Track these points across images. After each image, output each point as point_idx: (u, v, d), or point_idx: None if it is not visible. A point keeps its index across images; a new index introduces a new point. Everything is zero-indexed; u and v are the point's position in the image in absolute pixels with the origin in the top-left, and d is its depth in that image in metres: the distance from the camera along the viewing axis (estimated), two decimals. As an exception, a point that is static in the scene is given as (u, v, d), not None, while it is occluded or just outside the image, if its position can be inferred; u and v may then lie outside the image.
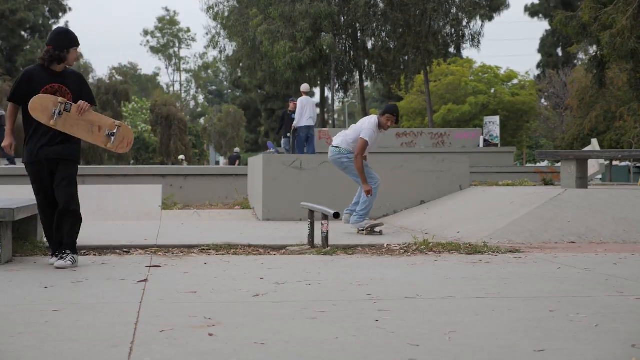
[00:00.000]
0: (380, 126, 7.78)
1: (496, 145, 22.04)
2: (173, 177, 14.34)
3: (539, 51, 54.67)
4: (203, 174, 14.70)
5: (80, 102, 5.41)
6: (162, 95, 53.06)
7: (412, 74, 32.31)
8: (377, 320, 3.36)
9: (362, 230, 7.72)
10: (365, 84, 38.90)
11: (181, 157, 36.45)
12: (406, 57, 31.01)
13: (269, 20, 28.96)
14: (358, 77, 33.00)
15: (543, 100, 44.30)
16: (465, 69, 42.28)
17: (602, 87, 23.07)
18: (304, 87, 16.62)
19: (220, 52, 35.12)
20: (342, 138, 7.86)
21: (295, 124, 16.14)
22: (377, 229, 7.72)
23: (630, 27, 18.21)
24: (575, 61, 43.06)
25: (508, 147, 22.34)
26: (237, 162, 32.02)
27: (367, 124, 7.76)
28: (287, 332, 3.11)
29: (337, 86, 32.52)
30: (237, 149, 37.33)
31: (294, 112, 16.58)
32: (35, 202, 6.05)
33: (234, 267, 5.25)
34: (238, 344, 2.90)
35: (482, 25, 30.92)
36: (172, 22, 77.82)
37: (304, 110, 15.81)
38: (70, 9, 59.72)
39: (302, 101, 16.16)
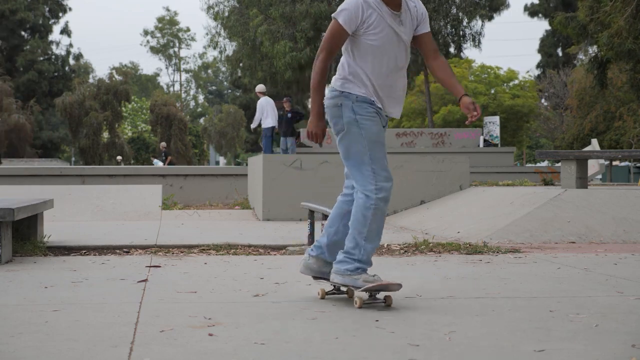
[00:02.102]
0: None
1: (496, 145, 22.05)
2: (173, 177, 14.35)
3: (539, 51, 54.68)
4: (203, 174, 14.70)
5: None
6: (162, 95, 53.06)
7: (412, 74, 32.31)
8: (377, 320, 3.36)
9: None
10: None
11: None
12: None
13: (269, 20, 28.97)
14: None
15: (543, 100, 44.33)
16: (464, 69, 42.31)
17: (603, 87, 23.09)
18: (260, 87, 16.61)
19: (221, 52, 35.13)
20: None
21: (254, 125, 16.19)
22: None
23: (628, 28, 18.21)
24: (575, 61, 43.08)
25: (508, 147, 22.35)
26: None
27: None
28: (287, 332, 3.11)
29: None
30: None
31: (289, 112, 16.54)
32: (34, 202, 6.06)
33: (234, 267, 5.25)
34: (238, 344, 2.90)
35: (482, 25, 30.95)
36: (172, 22, 77.83)
37: (265, 111, 15.84)
38: (70, 9, 59.65)
39: (261, 102, 16.20)
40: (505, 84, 43.54)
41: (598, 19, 19.31)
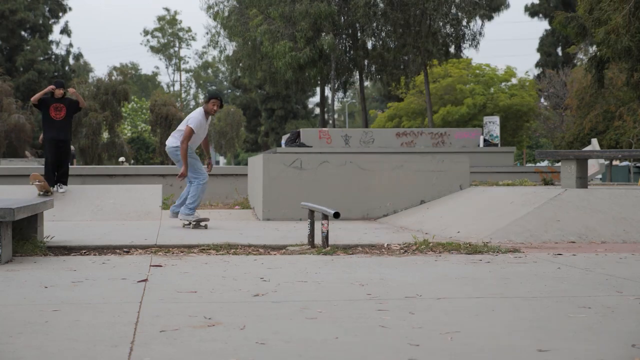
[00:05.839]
0: (207, 112, 8.44)
1: (496, 145, 22.04)
2: (173, 177, 14.33)
3: (538, 51, 54.67)
4: (203, 174, 14.66)
5: None
6: (162, 95, 53.01)
7: (412, 74, 32.31)
8: (377, 320, 3.36)
9: (189, 224, 8.24)
10: (365, 83, 38.91)
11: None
12: (406, 57, 31.02)
13: (269, 20, 28.97)
14: (358, 77, 33.01)
15: (543, 100, 44.30)
16: (461, 70, 42.25)
17: (601, 87, 23.05)
18: None
19: (221, 52, 35.14)
20: (174, 135, 8.47)
21: None
22: (202, 224, 8.20)
23: (626, 25, 18.19)
24: (575, 61, 43.07)
25: (508, 147, 22.32)
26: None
27: (194, 114, 8.39)
28: (287, 332, 3.11)
29: (336, 86, 32.53)
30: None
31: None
32: (34, 202, 6.07)
33: (234, 267, 5.26)
34: (238, 344, 2.90)
35: (482, 25, 30.95)
36: (172, 21, 77.78)
37: None
38: (70, 8, 59.55)
39: None
40: (503, 84, 43.48)
41: (596, 16, 19.29)
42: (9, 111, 43.46)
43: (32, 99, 10.16)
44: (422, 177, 10.22)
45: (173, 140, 8.45)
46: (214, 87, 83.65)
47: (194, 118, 8.33)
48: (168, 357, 2.70)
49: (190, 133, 8.24)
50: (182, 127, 8.40)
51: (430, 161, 10.37)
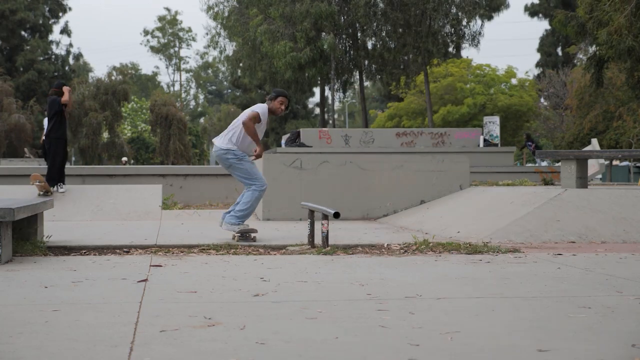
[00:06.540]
0: (272, 111, 7.09)
1: (496, 145, 22.04)
2: (173, 177, 14.33)
3: (539, 50, 54.68)
4: (203, 174, 14.68)
5: None
6: (162, 95, 53.01)
7: (412, 74, 32.33)
8: (377, 320, 3.36)
9: (235, 235, 6.92)
10: (365, 84, 38.91)
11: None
12: (406, 57, 31.04)
13: (269, 20, 28.98)
14: (358, 77, 33.01)
15: (543, 100, 44.31)
16: (462, 69, 42.27)
17: (600, 86, 23.05)
18: None
19: (221, 52, 35.15)
20: (224, 135, 7.17)
21: None
22: (252, 235, 6.90)
23: (629, 25, 18.20)
24: (575, 61, 43.07)
25: (508, 147, 22.31)
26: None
27: (256, 106, 7.16)
28: (287, 332, 3.11)
29: (337, 86, 32.52)
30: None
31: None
32: (34, 202, 6.08)
33: (234, 267, 5.26)
34: (238, 344, 2.90)
35: (481, 25, 30.97)
36: (173, 21, 77.76)
37: None
38: (70, 8, 59.62)
39: None
40: (503, 84, 43.50)
41: (597, 17, 19.30)
42: (9, 111, 43.48)
43: (64, 100, 10.35)
44: (422, 177, 10.22)
45: (223, 141, 7.08)
46: (214, 87, 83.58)
47: (260, 106, 7.04)
48: (168, 357, 2.71)
49: (257, 117, 6.91)
50: (237, 122, 7.10)
51: (430, 161, 10.36)
